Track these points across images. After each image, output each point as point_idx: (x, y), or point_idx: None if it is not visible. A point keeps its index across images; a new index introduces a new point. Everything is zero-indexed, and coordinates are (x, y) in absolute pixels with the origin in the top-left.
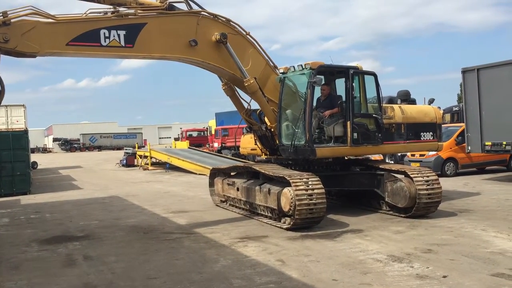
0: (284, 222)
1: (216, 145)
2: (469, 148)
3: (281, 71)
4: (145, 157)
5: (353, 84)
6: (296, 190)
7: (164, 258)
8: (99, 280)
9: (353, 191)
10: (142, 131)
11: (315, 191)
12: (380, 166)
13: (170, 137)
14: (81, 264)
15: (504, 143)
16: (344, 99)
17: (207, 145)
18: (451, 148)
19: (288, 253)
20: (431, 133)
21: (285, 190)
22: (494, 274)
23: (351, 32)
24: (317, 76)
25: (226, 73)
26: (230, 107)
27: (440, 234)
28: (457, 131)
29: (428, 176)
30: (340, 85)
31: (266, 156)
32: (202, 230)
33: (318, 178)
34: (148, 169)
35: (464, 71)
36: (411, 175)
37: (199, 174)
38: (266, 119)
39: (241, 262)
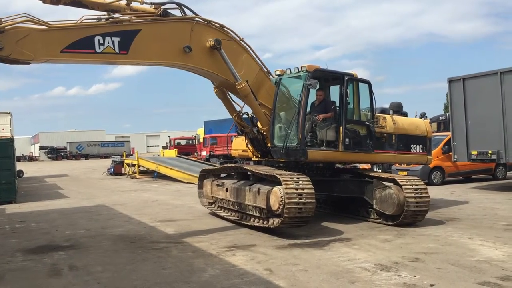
0: (272, 223)
1: (204, 153)
2: (456, 157)
3: (277, 73)
4: (133, 165)
5: (347, 90)
6: (287, 188)
7: (151, 268)
8: None
9: (341, 199)
10: (130, 139)
11: (305, 190)
12: (370, 174)
13: (158, 146)
14: (67, 274)
15: (490, 152)
16: (338, 104)
17: (195, 154)
18: (437, 157)
19: (276, 262)
20: (421, 146)
21: (275, 188)
22: (480, 283)
23: (343, 42)
24: (313, 79)
25: (219, 78)
26: (219, 115)
27: (427, 243)
28: (443, 140)
29: (417, 185)
30: (334, 92)
31: (257, 159)
32: (189, 239)
33: (309, 178)
34: (135, 178)
35: (450, 81)
36: (400, 183)
37: (187, 182)
38: (258, 122)
39: (229, 271)
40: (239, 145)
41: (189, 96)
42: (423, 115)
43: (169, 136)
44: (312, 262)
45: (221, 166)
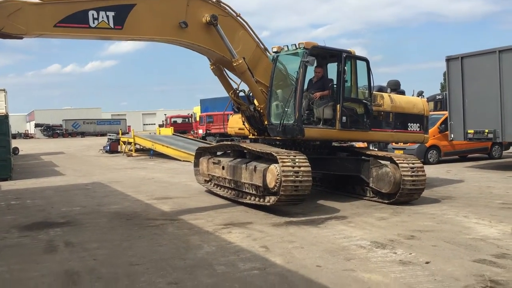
0: (268, 201)
1: (200, 131)
2: (452, 136)
3: (274, 50)
4: (129, 143)
5: (345, 67)
6: (283, 166)
7: (147, 245)
8: (80, 267)
9: (337, 177)
10: (126, 117)
11: (302, 168)
12: (366, 152)
13: (154, 124)
14: (62, 250)
15: (486, 131)
16: (335, 82)
17: (192, 132)
18: (434, 136)
19: (272, 240)
20: (418, 124)
21: (272, 166)
22: (475, 260)
23: (341, 20)
24: (310, 56)
25: (215, 55)
26: (216, 93)
27: (423, 221)
28: (440, 119)
29: (413, 163)
30: (331, 70)
31: (253, 137)
32: (186, 217)
33: (305, 156)
34: (132, 156)
35: (448, 60)
36: (397, 161)
37: (184, 160)
38: (254, 100)
39: (225, 248)
40: (236, 123)
41: (186, 74)
42: (420, 94)
43: (165, 114)
44: (308, 240)
45: (217, 144)
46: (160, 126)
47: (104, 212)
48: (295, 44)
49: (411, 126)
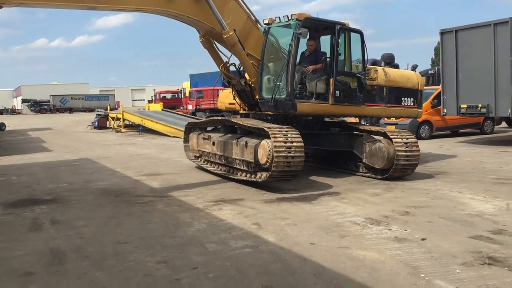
0: (260, 177)
1: (190, 107)
2: (445, 111)
3: (266, 22)
4: (118, 119)
5: (339, 40)
6: (275, 141)
7: (136, 222)
8: (66, 245)
9: (330, 153)
10: (115, 93)
11: (294, 144)
12: (359, 127)
13: (143, 100)
14: (48, 228)
15: (480, 105)
16: (328, 55)
17: (181, 107)
18: (426, 111)
19: (264, 217)
20: (412, 99)
21: (263, 142)
22: (472, 236)
23: None
24: (303, 28)
25: (205, 27)
26: (205, 69)
27: (417, 196)
28: (432, 94)
29: (407, 138)
30: (324, 43)
31: (244, 111)
32: (175, 193)
33: (298, 132)
34: (120, 132)
35: (442, 33)
36: (391, 136)
37: (173, 136)
38: (245, 73)
39: (215, 226)
40: (226, 98)
41: (176, 50)
42: (415, 68)
43: (154, 90)
44: (301, 216)
45: (208, 119)
46: (150, 102)
47: (92, 189)
48: (287, 16)
49: (405, 101)
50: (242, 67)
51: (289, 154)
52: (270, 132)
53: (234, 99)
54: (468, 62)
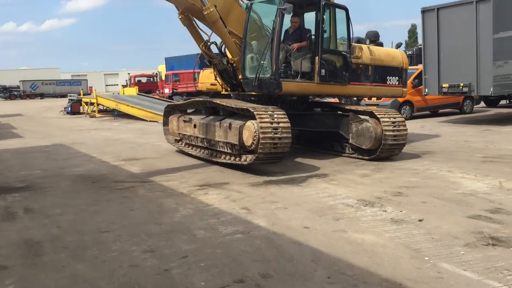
0: (245, 160)
1: (167, 91)
2: (426, 91)
3: None
4: (92, 104)
5: (324, 16)
6: (261, 122)
7: (117, 209)
8: (42, 235)
9: (314, 134)
10: (87, 77)
11: (281, 124)
12: (345, 107)
13: (117, 84)
14: (22, 217)
15: (461, 84)
16: (313, 33)
17: (157, 91)
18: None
19: (252, 200)
20: (397, 78)
21: (248, 123)
22: (470, 216)
23: None
24: (287, 3)
25: (184, 3)
26: (179, 52)
27: (407, 177)
28: (413, 74)
29: (394, 118)
30: (308, 20)
31: (226, 92)
32: (157, 178)
33: (284, 112)
34: (95, 117)
35: (424, 11)
36: (378, 116)
37: (150, 121)
38: (227, 52)
39: (202, 211)
40: (207, 78)
41: (148, 33)
42: (399, 46)
43: (128, 74)
44: (291, 199)
45: (188, 100)
46: (124, 86)
47: (67, 175)
48: None
49: (390, 80)
50: (223, 45)
51: (275, 135)
52: (255, 112)
53: (216, 79)
54: (450, 40)
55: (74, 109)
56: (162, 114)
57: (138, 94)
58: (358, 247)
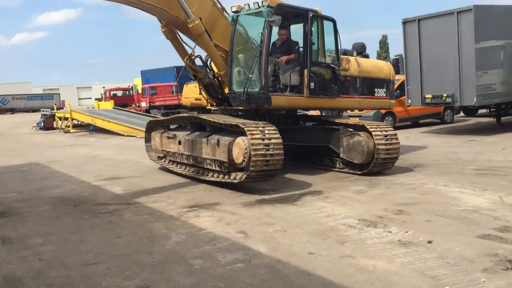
0: (235, 178)
1: (144, 104)
2: (409, 102)
3: (234, 9)
4: (66, 119)
5: (312, 28)
6: (252, 139)
7: (103, 237)
8: (23, 271)
9: (304, 149)
10: (60, 91)
11: (272, 140)
12: (335, 121)
13: (90, 98)
14: None
15: (445, 95)
16: (301, 45)
17: (133, 105)
18: None
19: (248, 223)
20: (384, 90)
21: (239, 139)
22: (479, 236)
23: None
24: (276, 15)
25: (168, 15)
26: (154, 65)
27: (404, 192)
28: (395, 85)
29: (386, 131)
30: (294, 32)
31: (212, 107)
32: (143, 200)
33: (275, 127)
34: (69, 132)
35: (405, 22)
36: (370, 129)
37: (128, 135)
38: (213, 66)
39: (196, 236)
40: (191, 93)
41: (121, 46)
42: (385, 57)
43: (103, 87)
44: (289, 221)
45: (173, 116)
46: (98, 100)
47: (46, 198)
48: (257, 2)
49: (377, 92)
50: (209, 59)
51: (267, 152)
52: (245, 128)
53: (201, 93)
54: (431, 51)
55: (47, 125)
56: (140, 128)
57: (114, 108)
58: (370, 275)
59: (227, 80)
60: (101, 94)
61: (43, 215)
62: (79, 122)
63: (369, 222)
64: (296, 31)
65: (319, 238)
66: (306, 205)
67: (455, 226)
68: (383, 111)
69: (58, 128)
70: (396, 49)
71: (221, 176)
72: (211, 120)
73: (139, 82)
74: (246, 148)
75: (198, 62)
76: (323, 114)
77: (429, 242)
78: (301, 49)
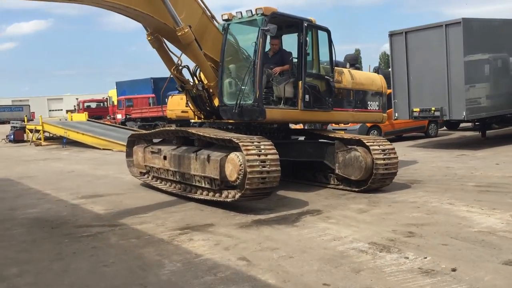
0: (227, 196)
1: (119, 116)
2: (396, 115)
3: (225, 17)
4: (37, 131)
5: (307, 38)
6: (248, 155)
7: (88, 265)
8: None
9: (295, 164)
10: (30, 103)
11: (269, 156)
12: (330, 135)
13: (61, 110)
14: None
15: (433, 108)
16: (293, 56)
17: (108, 117)
18: None
19: (248, 247)
20: (377, 103)
21: (232, 155)
22: (505, 262)
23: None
24: (270, 24)
25: (155, 22)
26: (128, 77)
27: (409, 212)
28: None
29: (384, 145)
30: (286, 43)
31: (199, 120)
32: (128, 221)
33: (271, 142)
34: (41, 145)
35: (392, 35)
36: (367, 144)
37: (104, 149)
38: (202, 77)
39: (193, 264)
40: (177, 105)
41: (93, 58)
42: (377, 70)
43: (77, 99)
44: (293, 245)
45: (157, 130)
46: (71, 111)
47: (20, 219)
48: (250, 10)
49: (370, 105)
50: (198, 69)
51: (263, 168)
52: (240, 143)
53: (187, 105)
54: (419, 64)
55: (18, 137)
56: (116, 141)
57: (88, 120)
58: None
59: (218, 92)
60: (74, 105)
61: (18, 240)
62: (51, 135)
63: (381, 246)
64: (287, 41)
65: (331, 265)
66: (308, 227)
67: (475, 250)
68: (368, 125)
69: (29, 141)
70: (369, 62)
71: (211, 194)
72: (201, 134)
73: (114, 93)
74: (240, 165)
75: (186, 73)
76: (305, 127)
77: (453, 270)
78: (295, 60)
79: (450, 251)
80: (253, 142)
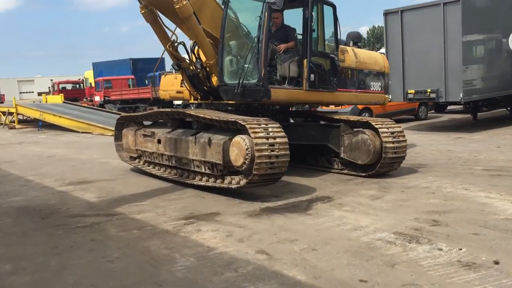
0: (230, 182)
1: (98, 98)
2: (390, 97)
3: None
4: (10, 114)
5: (312, 13)
6: (255, 138)
7: (90, 261)
8: None
9: (297, 148)
10: None
11: (277, 140)
12: (335, 117)
13: (33, 92)
14: None
15: (429, 90)
16: (299, 32)
17: (85, 99)
18: None
19: (264, 239)
20: (379, 83)
21: (238, 138)
22: None
23: None
24: None
25: None
26: (102, 58)
27: (425, 198)
28: None
29: (393, 128)
30: (288, 18)
31: (196, 101)
32: (125, 209)
33: (279, 125)
34: (15, 128)
35: (386, 13)
36: (376, 126)
37: (83, 132)
38: (200, 54)
39: (208, 259)
40: (171, 85)
41: (65, 38)
42: (378, 49)
43: (51, 80)
44: (312, 236)
45: (151, 111)
46: (45, 93)
47: (4, 208)
48: None
49: (373, 86)
50: (196, 46)
51: (272, 153)
52: (247, 126)
53: (183, 85)
54: (415, 44)
55: None
56: (96, 124)
57: (64, 102)
58: None
59: (217, 71)
60: (49, 87)
61: (6, 231)
62: (25, 118)
63: (409, 237)
64: (289, 17)
65: (361, 259)
66: (322, 215)
67: (510, 240)
68: (360, 107)
69: (2, 124)
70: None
71: (212, 179)
72: (202, 116)
73: (91, 74)
74: (247, 149)
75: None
76: (293, 109)
77: (496, 263)
78: (299, 37)
79: (485, 241)
80: (260, 125)
